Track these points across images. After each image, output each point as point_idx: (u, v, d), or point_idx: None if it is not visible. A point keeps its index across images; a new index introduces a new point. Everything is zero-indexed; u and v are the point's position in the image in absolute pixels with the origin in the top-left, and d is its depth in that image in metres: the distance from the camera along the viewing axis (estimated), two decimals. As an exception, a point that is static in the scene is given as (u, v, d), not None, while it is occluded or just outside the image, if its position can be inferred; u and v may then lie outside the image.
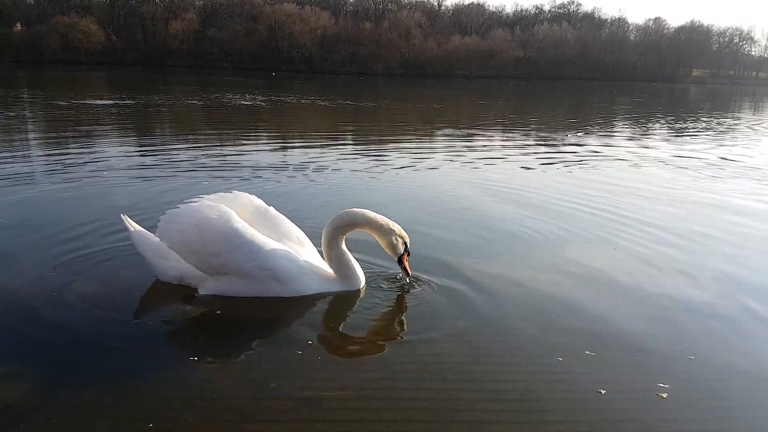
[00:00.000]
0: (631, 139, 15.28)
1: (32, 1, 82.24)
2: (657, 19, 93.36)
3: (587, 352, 3.38)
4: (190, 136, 12.80)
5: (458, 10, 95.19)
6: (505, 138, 14.84)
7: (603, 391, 2.96)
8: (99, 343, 3.29)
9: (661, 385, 3.04)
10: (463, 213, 6.49)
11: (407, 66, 77.53)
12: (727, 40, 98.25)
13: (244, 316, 3.79)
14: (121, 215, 4.17)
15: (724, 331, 3.78)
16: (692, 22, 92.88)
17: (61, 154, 9.33)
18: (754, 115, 28.23)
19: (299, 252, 4.08)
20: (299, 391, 2.90)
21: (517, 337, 3.56)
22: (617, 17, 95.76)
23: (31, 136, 12.00)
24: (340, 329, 3.70)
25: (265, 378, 3.02)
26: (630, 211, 6.72)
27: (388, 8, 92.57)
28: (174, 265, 4.02)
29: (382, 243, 4.05)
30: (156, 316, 3.83)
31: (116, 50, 74.97)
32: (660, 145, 13.91)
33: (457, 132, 15.68)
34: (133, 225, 4.13)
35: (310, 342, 3.40)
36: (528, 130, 16.64)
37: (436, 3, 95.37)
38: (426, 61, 79.00)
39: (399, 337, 3.58)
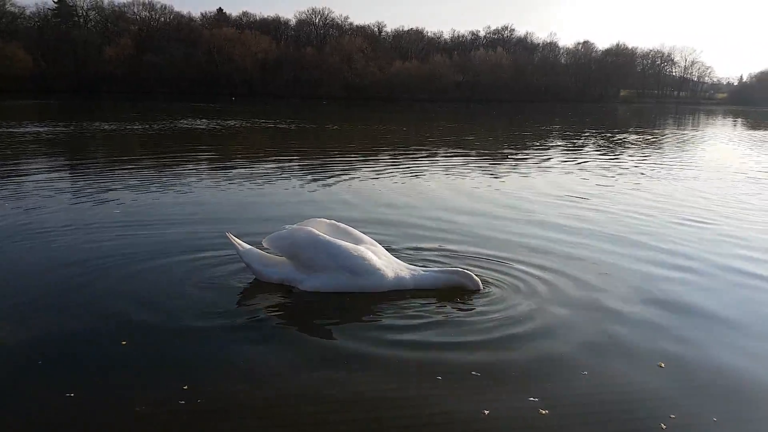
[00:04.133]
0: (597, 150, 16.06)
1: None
2: (585, 43, 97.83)
3: (473, 373, 3.56)
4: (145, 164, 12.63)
5: (398, 35, 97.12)
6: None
7: (486, 412, 3.16)
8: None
9: (532, 399, 3.28)
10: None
11: (350, 90, 78.25)
12: (650, 62, 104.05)
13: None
14: (226, 233, 5.09)
15: (622, 347, 3.99)
16: (618, 45, 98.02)
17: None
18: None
19: (375, 253, 4.97)
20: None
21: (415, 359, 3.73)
22: (549, 41, 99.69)
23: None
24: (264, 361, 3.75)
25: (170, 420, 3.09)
26: (556, 219, 7.13)
27: (329, 33, 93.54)
28: (275, 270, 5.01)
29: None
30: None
31: (46, 77, 72.44)
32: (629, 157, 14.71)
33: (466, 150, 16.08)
34: (238, 242, 5.07)
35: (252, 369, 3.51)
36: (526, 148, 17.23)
37: (376, 29, 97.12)
38: (369, 84, 79.98)
39: (333, 366, 3.69)
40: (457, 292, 4.90)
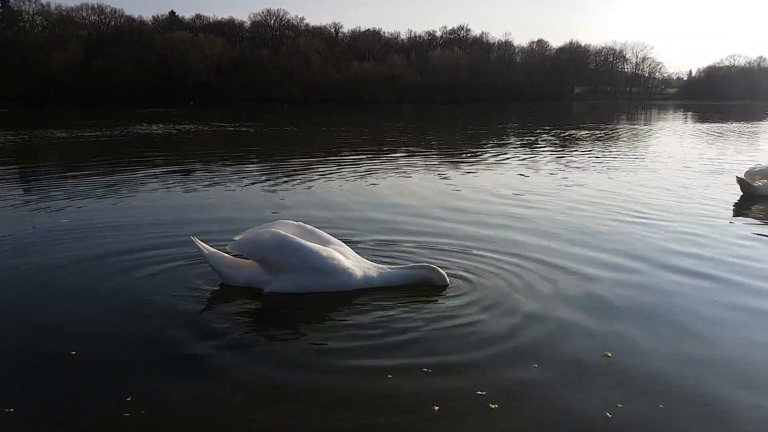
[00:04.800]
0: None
1: None
2: (540, 41, 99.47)
3: (425, 370, 3.60)
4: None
5: (355, 36, 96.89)
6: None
7: (437, 408, 3.18)
8: None
9: (483, 393, 3.33)
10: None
11: (309, 91, 77.69)
12: (602, 59, 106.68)
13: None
14: (191, 237, 5.10)
15: (571, 339, 4.08)
16: (571, 42, 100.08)
17: None
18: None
19: (343, 253, 4.99)
20: None
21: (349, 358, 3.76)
22: (504, 41, 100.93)
23: None
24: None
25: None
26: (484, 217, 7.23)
27: (285, 34, 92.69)
28: (242, 273, 5.00)
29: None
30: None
31: (-9, 84, 69.59)
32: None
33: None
34: (204, 245, 5.03)
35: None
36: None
37: (333, 30, 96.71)
38: (327, 86, 79.59)
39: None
40: (420, 288, 4.97)
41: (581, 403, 3.31)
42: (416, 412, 3.15)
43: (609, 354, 3.87)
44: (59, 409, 3.18)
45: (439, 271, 5.04)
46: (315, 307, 4.68)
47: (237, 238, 4.97)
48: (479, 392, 3.34)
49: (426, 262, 5.39)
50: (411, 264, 5.27)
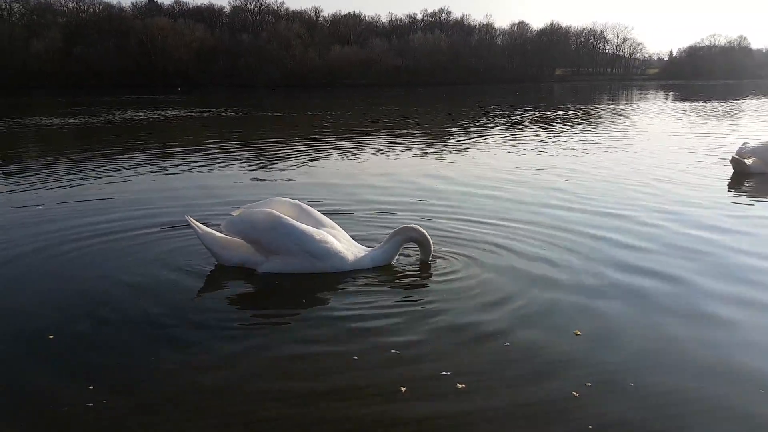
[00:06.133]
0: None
1: None
2: (521, 23, 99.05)
3: (393, 351, 3.60)
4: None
5: (336, 20, 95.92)
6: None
7: (404, 389, 3.18)
8: None
9: (450, 373, 3.33)
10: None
11: (290, 77, 76.94)
12: (583, 40, 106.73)
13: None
14: (186, 217, 5.04)
15: (544, 318, 4.09)
16: (552, 24, 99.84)
17: None
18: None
19: (335, 236, 5.02)
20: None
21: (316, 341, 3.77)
22: (485, 23, 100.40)
23: None
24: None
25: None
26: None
27: (265, 19, 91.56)
28: (235, 253, 5.02)
29: (421, 250, 5.19)
30: None
31: (-32, 73, 67.92)
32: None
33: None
34: (198, 225, 5.02)
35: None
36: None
37: (313, 14, 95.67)
38: (308, 71, 78.87)
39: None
40: (401, 269, 5.05)
41: (549, 381, 3.31)
42: (383, 394, 3.15)
43: (579, 332, 3.89)
44: (30, 395, 3.16)
45: (414, 227, 5.11)
46: (304, 289, 4.70)
47: (233, 214, 4.97)
48: (446, 372, 3.35)
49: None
50: (387, 236, 5.28)
